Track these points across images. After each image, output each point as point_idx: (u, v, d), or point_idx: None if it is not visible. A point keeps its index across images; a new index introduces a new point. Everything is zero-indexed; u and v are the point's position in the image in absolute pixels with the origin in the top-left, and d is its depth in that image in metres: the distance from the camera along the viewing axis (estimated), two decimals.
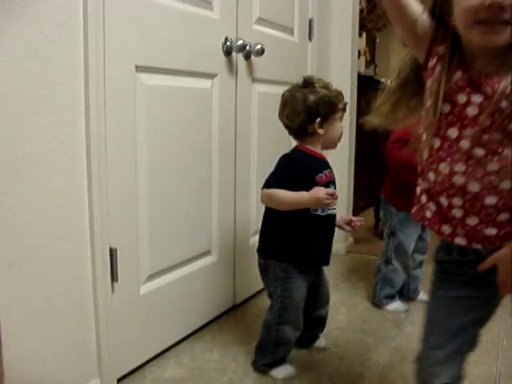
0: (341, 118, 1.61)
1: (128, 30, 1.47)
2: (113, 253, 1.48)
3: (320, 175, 1.55)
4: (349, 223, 1.71)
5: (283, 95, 1.60)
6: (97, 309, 1.44)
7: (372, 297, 2.25)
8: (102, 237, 1.43)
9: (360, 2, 3.89)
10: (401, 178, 2.05)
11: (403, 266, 2.17)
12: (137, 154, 1.56)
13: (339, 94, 1.59)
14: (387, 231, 2.20)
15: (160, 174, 1.66)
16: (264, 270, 1.67)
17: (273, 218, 1.62)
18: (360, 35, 4.09)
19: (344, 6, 2.79)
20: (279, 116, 1.62)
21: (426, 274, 2.53)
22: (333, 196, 1.48)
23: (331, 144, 1.63)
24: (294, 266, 1.58)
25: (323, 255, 1.65)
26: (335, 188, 1.62)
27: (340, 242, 2.89)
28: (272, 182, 1.53)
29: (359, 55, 4.10)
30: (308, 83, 1.57)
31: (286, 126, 1.61)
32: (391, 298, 2.20)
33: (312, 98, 1.53)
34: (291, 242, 1.58)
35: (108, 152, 1.44)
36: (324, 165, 1.60)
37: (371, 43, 4.96)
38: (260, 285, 2.27)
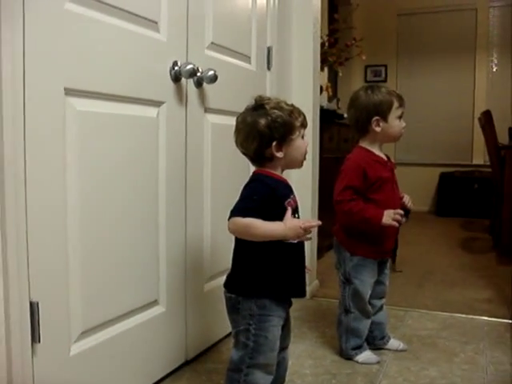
0: (302, 135, 1.48)
1: (56, 46, 1.27)
2: (33, 308, 1.24)
3: (288, 200, 1.44)
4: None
5: (236, 120, 1.48)
6: (10, 379, 1.19)
7: (339, 351, 2.04)
8: (20, 289, 1.20)
9: (321, 37, 3.81)
10: (354, 225, 1.94)
11: (363, 313, 1.99)
12: (66, 191, 1.33)
13: (294, 112, 1.45)
14: (342, 278, 2.01)
15: (95, 214, 1.44)
16: (233, 306, 1.47)
17: (246, 250, 1.46)
18: (322, 69, 4.00)
19: (304, 35, 2.66)
20: (235, 143, 1.48)
21: (393, 318, 2.36)
22: (308, 229, 1.39)
23: (295, 164, 1.51)
24: (271, 301, 1.43)
25: (300, 285, 1.52)
26: (299, 213, 1.51)
27: None
28: (245, 209, 1.37)
29: (321, 90, 4.00)
30: (258, 105, 1.44)
31: (243, 153, 1.49)
32: (360, 348, 1.99)
33: (263, 122, 1.41)
34: (267, 274, 1.44)
35: (28, 191, 1.22)
36: (289, 189, 1.50)
37: (333, 77, 4.88)
38: (216, 336, 2.05)
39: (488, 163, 4.46)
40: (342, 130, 3.89)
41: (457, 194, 5.73)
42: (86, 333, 1.44)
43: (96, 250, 1.45)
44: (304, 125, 1.48)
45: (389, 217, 1.80)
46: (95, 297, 1.46)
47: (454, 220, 5.48)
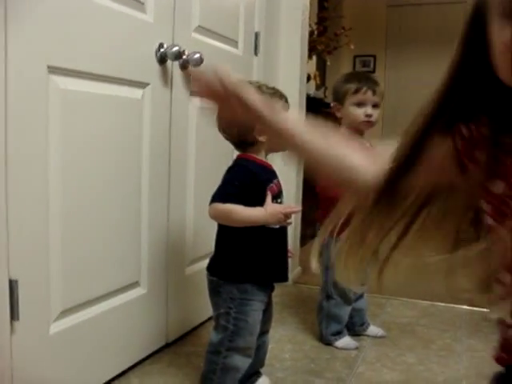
0: None
1: (39, 22, 1.26)
2: (13, 285, 1.24)
3: (271, 185, 1.45)
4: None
5: None
6: None
7: (319, 337, 2.05)
8: None
9: (310, 25, 3.80)
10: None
11: (345, 299, 2.00)
12: (48, 170, 1.33)
13: (275, 95, 1.46)
14: (323, 263, 1.99)
15: (77, 194, 1.43)
16: (215, 289, 1.49)
17: (228, 235, 1.47)
18: (310, 58, 3.99)
19: (292, 21, 2.65)
20: (218, 129, 1.47)
21: (374, 306, 2.38)
22: (289, 214, 1.42)
23: (279, 147, 1.46)
24: (252, 285, 1.44)
25: (282, 270, 1.53)
26: (282, 198, 1.53)
27: None
28: (225, 195, 1.38)
29: (309, 78, 4.00)
30: None
31: (226, 139, 1.49)
32: (339, 333, 2.01)
33: None
34: (249, 259, 1.45)
35: (9, 169, 1.20)
36: (272, 174, 1.50)
37: (322, 66, 4.87)
38: (197, 320, 2.06)
39: None
40: (328, 118, 3.88)
41: None
42: (66, 312, 1.44)
43: (77, 229, 1.44)
44: (285, 108, 1.47)
45: None
46: (76, 276, 1.46)
47: None
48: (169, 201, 1.83)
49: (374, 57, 6.27)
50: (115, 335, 1.63)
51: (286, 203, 1.55)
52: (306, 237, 3.28)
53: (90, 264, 1.50)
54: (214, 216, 1.41)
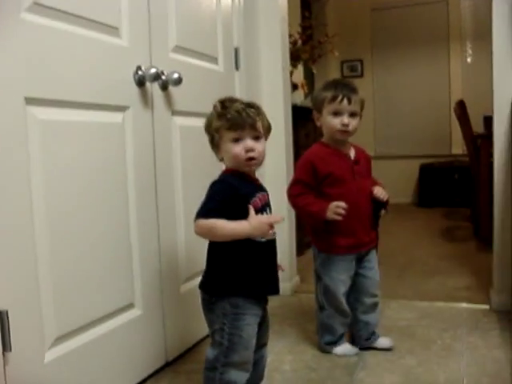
0: (235, 139, 1.44)
1: (13, 56, 1.28)
2: (2, 316, 1.25)
3: (254, 199, 1.45)
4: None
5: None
6: None
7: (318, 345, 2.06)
8: None
9: (292, 34, 3.83)
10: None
11: (338, 311, 1.96)
12: (33, 200, 1.34)
13: (221, 116, 1.45)
14: (315, 274, 2.02)
15: (64, 221, 1.44)
16: (208, 306, 1.50)
17: (217, 250, 1.48)
18: (296, 67, 4.01)
19: (272, 35, 2.68)
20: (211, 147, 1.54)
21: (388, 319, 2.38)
22: (272, 225, 1.41)
23: (238, 166, 1.49)
24: (244, 299, 1.44)
25: (272, 283, 1.53)
26: (271, 211, 1.53)
27: (285, 281, 2.70)
28: (207, 211, 1.40)
29: (297, 87, 4.02)
30: (224, 107, 1.46)
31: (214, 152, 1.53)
32: (334, 343, 2.00)
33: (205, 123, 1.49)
34: (238, 273, 1.45)
35: None
36: (257, 188, 1.50)
37: (309, 75, 4.90)
38: (196, 337, 2.06)
39: (466, 152, 4.49)
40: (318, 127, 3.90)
41: (438, 185, 5.77)
42: (60, 339, 1.44)
43: (66, 257, 1.45)
44: (231, 128, 1.43)
45: (331, 211, 1.76)
46: (68, 302, 1.47)
47: (436, 210, 5.52)
48: (158, 221, 1.84)
49: (361, 61, 6.31)
50: (113, 358, 1.64)
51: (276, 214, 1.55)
52: (303, 246, 3.29)
53: (81, 289, 1.51)
54: (198, 232, 1.42)
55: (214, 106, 1.49)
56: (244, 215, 1.41)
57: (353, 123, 1.85)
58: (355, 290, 1.98)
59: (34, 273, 1.35)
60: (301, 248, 3.16)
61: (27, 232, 1.33)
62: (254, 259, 1.46)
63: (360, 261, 1.96)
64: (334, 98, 1.83)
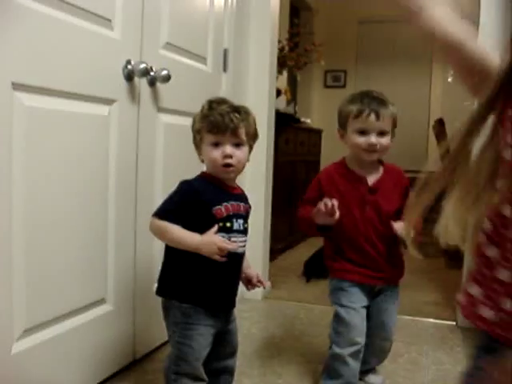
0: (215, 143, 1.40)
1: (5, 38, 1.26)
2: None
3: (218, 207, 1.38)
4: (249, 281, 1.53)
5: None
6: None
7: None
8: None
9: (280, 40, 3.85)
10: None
11: (352, 357, 1.66)
12: (12, 186, 1.32)
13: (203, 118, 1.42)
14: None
15: (41, 212, 1.42)
16: (164, 311, 1.48)
17: (173, 254, 1.43)
18: (281, 73, 4.03)
19: (262, 39, 2.69)
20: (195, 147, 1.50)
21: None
22: (224, 250, 1.31)
23: (215, 173, 1.44)
24: (195, 309, 1.39)
25: (227, 296, 1.47)
26: (246, 223, 1.46)
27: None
28: (164, 211, 1.37)
29: (280, 93, 4.04)
30: (210, 107, 1.42)
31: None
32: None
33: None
34: (192, 280, 1.40)
35: None
36: (230, 196, 1.43)
37: (292, 81, 4.93)
38: (165, 336, 2.03)
39: None
40: (298, 133, 3.93)
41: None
42: (29, 330, 1.42)
43: (41, 248, 1.43)
44: (211, 131, 1.38)
45: (318, 211, 1.53)
46: (40, 294, 1.44)
47: None
48: (136, 216, 1.82)
49: (345, 72, 6.36)
50: (81, 353, 1.62)
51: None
52: (275, 251, 3.30)
53: (54, 281, 1.49)
54: (151, 230, 1.41)
55: (202, 106, 1.45)
56: (205, 222, 1.36)
57: (382, 142, 1.60)
58: (368, 326, 1.71)
59: (7, 263, 1.33)
60: (272, 254, 3.17)
61: (4, 222, 1.31)
62: (212, 270, 1.39)
63: (373, 298, 1.72)
64: (359, 114, 1.58)
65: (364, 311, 1.68)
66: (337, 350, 1.67)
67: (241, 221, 1.44)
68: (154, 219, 1.38)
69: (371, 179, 1.67)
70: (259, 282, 1.53)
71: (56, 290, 1.50)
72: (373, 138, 1.59)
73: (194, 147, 1.48)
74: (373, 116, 1.57)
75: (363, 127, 1.59)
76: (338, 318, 1.68)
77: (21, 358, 1.39)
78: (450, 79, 6.02)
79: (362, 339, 1.66)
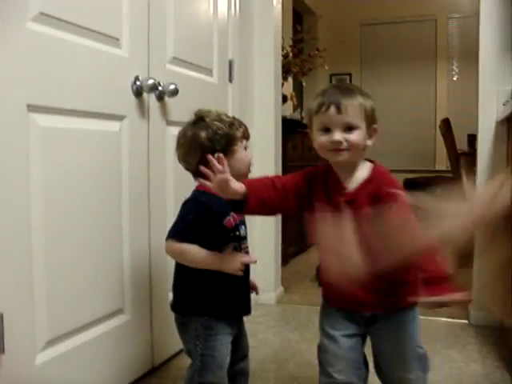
0: (245, 147, 1.47)
1: (18, 63, 1.32)
2: None
3: (228, 218, 1.43)
4: (253, 287, 1.59)
5: (177, 136, 1.49)
6: None
7: None
8: None
9: (284, 47, 3.89)
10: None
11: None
12: (30, 204, 1.38)
13: (234, 123, 1.46)
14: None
15: (60, 227, 1.48)
16: (181, 326, 1.51)
17: (186, 271, 1.46)
18: (286, 79, 4.08)
19: (266, 48, 2.74)
20: (178, 159, 1.49)
21: None
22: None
23: (239, 176, 1.39)
24: (216, 320, 1.43)
25: (244, 303, 1.52)
26: (245, 228, 1.51)
27: (270, 291, 2.76)
28: (179, 232, 1.40)
29: (286, 99, 4.08)
30: (198, 119, 1.46)
31: (186, 169, 1.49)
32: None
33: (203, 134, 1.41)
34: (209, 294, 1.44)
35: None
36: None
37: (298, 87, 4.97)
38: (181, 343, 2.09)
39: (450, 168, 4.58)
40: (305, 138, 3.97)
41: None
42: (51, 342, 1.47)
43: (61, 261, 1.49)
44: (246, 136, 1.47)
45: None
46: (60, 306, 1.50)
47: None
48: (150, 228, 1.87)
49: (350, 75, 6.40)
50: (101, 362, 1.67)
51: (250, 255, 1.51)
52: (287, 256, 3.34)
53: (73, 293, 1.54)
54: (169, 254, 1.44)
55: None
56: (217, 234, 1.40)
57: (350, 138, 1.27)
58: (374, 357, 1.46)
59: (29, 277, 1.38)
60: (284, 258, 3.21)
61: (24, 237, 1.36)
62: (225, 280, 1.42)
63: (368, 324, 1.40)
64: (319, 108, 1.29)
65: (349, 341, 1.39)
66: (320, 378, 1.45)
67: (243, 226, 1.50)
68: (171, 242, 1.40)
69: (350, 187, 1.33)
70: (253, 287, 1.58)
71: (75, 302, 1.55)
72: (336, 135, 1.27)
73: None
74: (333, 108, 1.27)
75: (324, 122, 1.29)
76: (319, 345, 1.45)
77: (44, 369, 1.44)
78: (455, 78, 6.05)
79: (342, 376, 1.37)
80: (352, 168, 1.34)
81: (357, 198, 1.31)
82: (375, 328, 1.39)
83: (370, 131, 1.33)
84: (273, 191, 1.31)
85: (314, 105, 1.31)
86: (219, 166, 1.22)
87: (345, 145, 1.27)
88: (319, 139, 1.30)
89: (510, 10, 2.42)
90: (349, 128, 1.28)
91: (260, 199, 1.29)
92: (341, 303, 1.39)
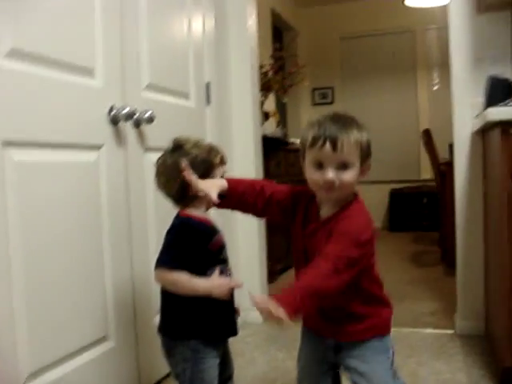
0: (222, 173, 1.50)
1: None
2: None
3: (213, 243, 1.47)
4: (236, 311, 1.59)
5: (156, 164, 1.52)
6: None
7: None
8: None
9: (264, 65, 3.94)
10: None
11: None
12: (8, 239, 1.38)
13: (212, 150, 1.50)
14: None
15: (39, 259, 1.49)
16: (168, 350, 1.52)
17: (172, 295, 1.47)
18: (266, 97, 4.12)
19: (243, 68, 2.78)
20: (157, 187, 1.52)
21: None
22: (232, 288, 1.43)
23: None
24: (204, 343, 1.45)
25: (230, 325, 1.53)
26: (226, 251, 1.54)
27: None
28: (169, 261, 1.42)
29: (268, 116, 4.12)
30: (177, 146, 1.49)
31: (166, 196, 1.52)
32: None
33: (184, 161, 1.44)
34: (196, 318, 1.45)
35: None
36: (213, 229, 1.51)
37: (281, 103, 5.01)
38: (168, 367, 2.09)
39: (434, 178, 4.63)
40: (288, 155, 4.01)
41: (407, 209, 5.93)
42: (34, 375, 1.47)
43: (42, 294, 1.49)
44: (223, 162, 1.51)
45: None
46: (42, 338, 1.50)
47: (407, 235, 5.64)
48: (131, 255, 1.89)
49: (332, 88, 6.46)
50: None
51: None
52: (275, 273, 3.35)
53: (55, 324, 1.55)
54: (159, 282, 1.46)
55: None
56: (202, 258, 1.43)
57: (343, 178, 1.25)
58: None
59: (9, 311, 1.39)
60: (271, 276, 3.22)
61: (3, 271, 1.37)
62: (212, 304, 1.44)
63: (336, 353, 1.40)
64: (314, 142, 1.25)
65: (316, 368, 1.42)
66: None
67: (225, 249, 1.53)
68: (162, 272, 1.42)
69: (324, 215, 1.35)
70: (235, 311, 1.57)
71: (57, 332, 1.56)
72: (330, 174, 1.24)
73: None
74: (328, 146, 1.22)
75: (318, 158, 1.25)
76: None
77: None
78: (435, 88, 6.12)
79: None
80: (334, 202, 1.32)
81: (318, 232, 1.33)
82: (341, 357, 1.39)
83: (364, 168, 1.30)
84: (259, 197, 1.40)
85: (309, 137, 1.26)
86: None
87: (337, 184, 1.25)
88: (312, 175, 1.28)
89: (478, 21, 2.46)
90: (343, 165, 1.25)
91: (240, 202, 1.41)
92: (309, 324, 1.45)
